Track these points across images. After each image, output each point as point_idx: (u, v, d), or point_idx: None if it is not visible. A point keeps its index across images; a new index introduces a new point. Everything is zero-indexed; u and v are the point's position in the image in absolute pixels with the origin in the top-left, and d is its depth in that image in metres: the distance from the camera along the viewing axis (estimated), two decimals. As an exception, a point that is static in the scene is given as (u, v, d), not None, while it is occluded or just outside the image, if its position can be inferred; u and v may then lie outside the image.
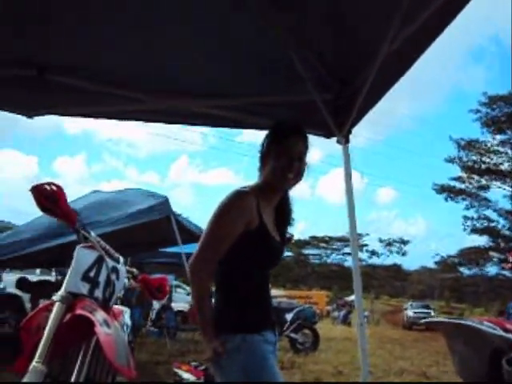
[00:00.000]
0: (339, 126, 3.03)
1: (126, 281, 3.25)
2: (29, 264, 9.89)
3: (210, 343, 2.33)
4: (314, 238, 68.73)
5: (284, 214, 2.58)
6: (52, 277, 11.55)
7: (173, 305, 14.33)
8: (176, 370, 6.94)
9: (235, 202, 2.36)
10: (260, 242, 2.39)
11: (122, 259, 3.15)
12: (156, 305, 13.92)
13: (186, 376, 6.79)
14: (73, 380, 2.89)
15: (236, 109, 3.34)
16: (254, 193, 2.41)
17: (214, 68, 2.89)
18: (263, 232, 2.39)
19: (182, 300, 17.89)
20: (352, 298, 41.08)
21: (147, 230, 7.70)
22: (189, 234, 8.21)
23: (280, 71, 2.97)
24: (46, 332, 2.76)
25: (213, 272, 2.41)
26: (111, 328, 2.63)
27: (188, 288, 20.07)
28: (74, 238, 7.44)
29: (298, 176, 2.44)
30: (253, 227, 2.35)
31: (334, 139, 3.26)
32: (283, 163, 2.39)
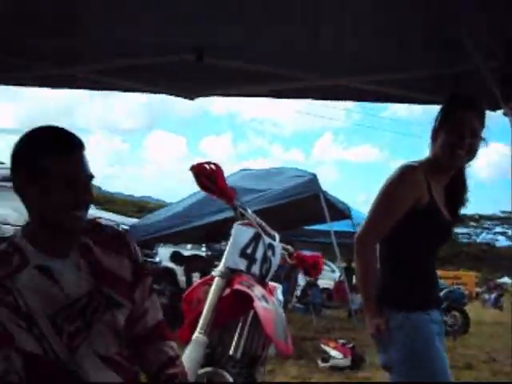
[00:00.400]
0: (506, 96, 2.80)
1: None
2: (182, 240, 10.43)
3: (373, 319, 2.29)
4: (462, 215, 65.29)
5: (457, 193, 2.45)
6: (202, 252, 12.09)
7: (318, 282, 14.39)
8: (323, 347, 7.02)
9: (405, 177, 2.29)
10: (430, 219, 2.30)
11: (277, 236, 3.20)
12: (301, 281, 14.11)
13: (334, 353, 6.83)
14: (231, 352, 3.01)
15: (382, 83, 3.22)
16: (423, 168, 2.31)
17: (369, 41, 2.81)
18: (433, 208, 2.30)
19: (327, 277, 17.95)
20: (504, 279, 38.70)
21: (295, 208, 7.76)
22: (337, 211, 8.17)
23: (438, 39, 2.81)
24: (206, 305, 2.89)
25: (377, 246, 2.38)
26: (269, 303, 2.69)
27: (333, 266, 20.10)
28: (224, 215, 7.77)
29: (470, 153, 2.29)
30: (423, 203, 2.27)
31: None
32: (453, 139, 2.26)
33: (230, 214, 6.99)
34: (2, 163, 8.53)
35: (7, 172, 8.05)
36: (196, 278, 8.37)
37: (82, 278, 1.58)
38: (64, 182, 1.51)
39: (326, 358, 6.71)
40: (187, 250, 12.04)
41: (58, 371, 1.54)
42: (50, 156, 1.52)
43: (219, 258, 3.03)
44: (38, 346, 1.51)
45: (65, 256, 1.58)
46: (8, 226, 5.33)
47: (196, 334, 2.74)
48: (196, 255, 10.61)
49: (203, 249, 13.09)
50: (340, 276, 8.80)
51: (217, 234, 9.26)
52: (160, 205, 27.09)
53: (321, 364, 6.59)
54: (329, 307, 15.00)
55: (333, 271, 19.99)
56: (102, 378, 1.57)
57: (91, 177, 1.58)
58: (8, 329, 1.49)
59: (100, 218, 1.76)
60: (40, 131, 1.59)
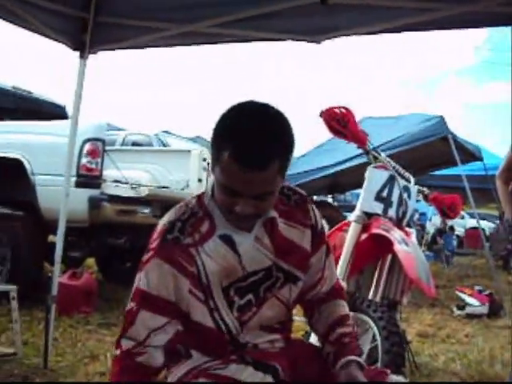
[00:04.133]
0: None
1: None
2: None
3: None
4: None
5: None
6: (328, 198, 12.07)
7: (447, 228, 13.89)
8: (459, 294, 6.81)
9: None
10: None
11: (412, 178, 3.11)
12: (431, 229, 13.72)
13: (470, 300, 6.61)
14: (370, 296, 2.99)
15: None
16: None
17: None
18: None
19: (457, 224, 17.29)
20: None
21: (423, 153, 7.49)
22: (467, 153, 7.77)
23: None
24: (343, 250, 2.89)
25: None
26: (410, 246, 2.63)
27: (462, 212, 19.30)
28: (348, 165, 7.66)
29: None
30: None
31: None
32: None
33: (352, 163, 7.05)
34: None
35: (137, 138, 8.46)
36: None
37: (262, 253, 1.49)
38: (224, 186, 1.37)
39: (462, 305, 6.50)
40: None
41: (228, 344, 1.51)
42: (225, 149, 1.32)
43: (344, 208, 3.00)
44: (210, 319, 1.47)
45: (249, 229, 1.47)
46: (144, 188, 5.60)
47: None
48: (323, 201, 10.54)
49: (329, 200, 13.13)
50: (477, 221, 8.34)
51: (341, 183, 9.23)
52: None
53: (456, 312, 6.41)
54: (460, 254, 14.49)
55: (462, 218, 19.19)
56: (268, 350, 1.54)
57: (263, 194, 1.37)
58: (186, 301, 1.46)
59: (288, 185, 1.62)
60: (244, 118, 1.36)
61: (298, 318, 1.69)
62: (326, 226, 3.60)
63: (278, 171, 1.35)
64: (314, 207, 1.63)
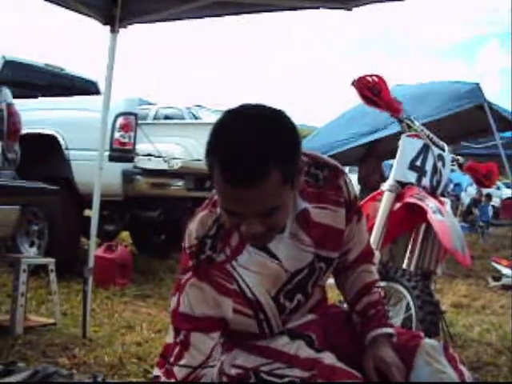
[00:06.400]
0: None
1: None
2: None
3: None
4: None
5: None
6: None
7: (483, 199, 13.65)
8: (494, 265, 6.73)
9: None
10: None
11: (446, 147, 3.05)
12: (466, 199, 13.53)
13: (506, 271, 6.53)
14: (404, 266, 2.97)
15: None
16: None
17: None
18: None
19: (493, 195, 17.00)
20: None
21: (457, 121, 7.32)
22: (504, 121, 7.57)
23: None
24: (377, 220, 2.87)
25: None
26: (444, 215, 2.59)
27: (498, 182, 18.95)
28: (377, 136, 7.55)
29: None
30: None
31: None
32: None
33: (384, 133, 6.94)
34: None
35: (169, 111, 8.48)
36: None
37: (301, 249, 1.40)
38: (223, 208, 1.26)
39: (498, 276, 6.43)
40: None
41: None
42: (215, 165, 1.19)
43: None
44: (257, 328, 1.43)
45: (280, 231, 1.35)
46: (176, 161, 5.64)
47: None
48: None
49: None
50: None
51: (369, 154, 9.11)
52: (308, 130, 27.14)
53: (491, 283, 6.34)
54: (496, 225, 14.27)
55: (498, 188, 18.84)
56: (300, 322, 1.51)
57: (267, 210, 1.22)
58: (229, 319, 1.38)
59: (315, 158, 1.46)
60: (229, 129, 1.21)
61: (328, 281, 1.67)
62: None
63: (281, 182, 1.19)
64: (347, 178, 1.50)
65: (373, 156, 7.80)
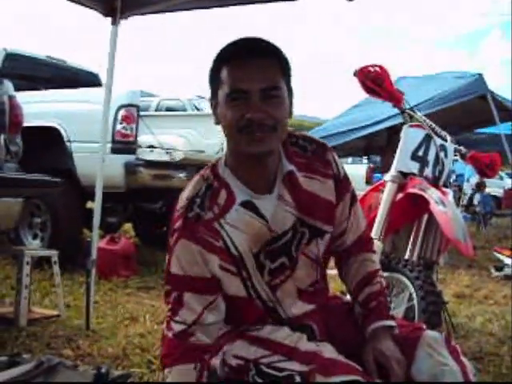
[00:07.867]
0: None
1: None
2: (343, 153, 10.39)
3: None
4: None
5: None
6: (364, 164, 12.00)
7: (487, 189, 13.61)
8: (497, 255, 6.72)
9: None
10: None
11: (449, 137, 3.04)
12: (468, 190, 13.48)
13: (509, 261, 6.52)
14: (406, 256, 2.97)
15: None
16: None
17: None
18: None
19: (494, 185, 16.95)
20: None
21: (460, 112, 7.31)
22: (507, 112, 7.55)
23: None
24: (379, 211, 2.86)
25: None
26: (446, 206, 2.59)
27: (501, 173, 18.89)
28: (380, 127, 7.53)
29: None
30: None
31: None
32: None
33: (388, 123, 6.94)
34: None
35: (171, 103, 8.52)
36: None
37: (286, 211, 1.44)
38: (230, 96, 1.35)
39: (500, 266, 6.42)
40: (347, 164, 12.00)
41: (257, 309, 1.48)
42: (223, 63, 1.37)
43: (379, 169, 2.96)
44: (242, 289, 1.45)
45: (269, 191, 1.43)
46: (179, 153, 5.64)
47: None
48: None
49: (365, 161, 13.00)
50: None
51: (374, 145, 9.10)
52: (316, 122, 27.12)
53: (494, 273, 6.33)
54: (498, 215, 14.23)
55: (501, 178, 18.77)
56: (301, 312, 1.51)
57: (269, 89, 1.34)
58: (218, 277, 1.42)
59: (299, 131, 1.56)
60: (236, 40, 1.40)
61: (330, 271, 1.66)
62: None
63: (280, 71, 1.37)
64: (335, 155, 1.55)
65: (392, 146, 7.80)
